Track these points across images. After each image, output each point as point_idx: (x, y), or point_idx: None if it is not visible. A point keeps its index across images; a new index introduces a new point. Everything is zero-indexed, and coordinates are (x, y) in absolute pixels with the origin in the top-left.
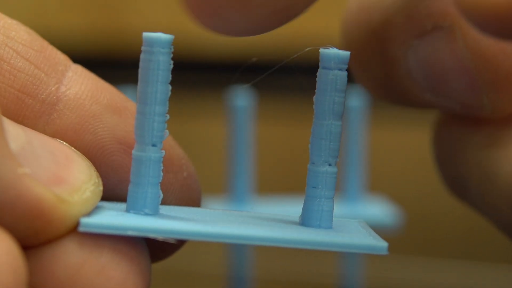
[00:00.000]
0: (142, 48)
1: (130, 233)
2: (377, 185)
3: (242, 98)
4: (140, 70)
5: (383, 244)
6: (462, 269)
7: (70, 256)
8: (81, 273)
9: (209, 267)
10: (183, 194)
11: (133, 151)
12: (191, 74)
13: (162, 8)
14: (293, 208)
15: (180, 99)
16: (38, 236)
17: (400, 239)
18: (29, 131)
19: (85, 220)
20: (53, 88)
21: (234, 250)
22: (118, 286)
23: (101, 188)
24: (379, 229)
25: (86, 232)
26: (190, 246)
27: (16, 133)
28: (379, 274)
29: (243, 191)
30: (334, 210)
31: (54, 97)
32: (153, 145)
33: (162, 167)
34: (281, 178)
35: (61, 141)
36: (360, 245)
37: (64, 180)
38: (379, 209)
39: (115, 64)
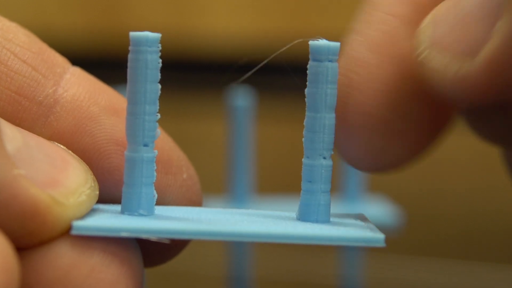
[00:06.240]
0: (130, 48)
1: (123, 234)
2: (377, 185)
3: (242, 98)
4: (128, 70)
5: (380, 236)
6: (462, 269)
7: (61, 258)
8: (71, 274)
9: (208, 268)
10: (183, 196)
11: (125, 152)
12: (191, 74)
13: (161, 8)
14: (293, 207)
15: (180, 99)
16: (31, 237)
17: (400, 239)
18: (26, 133)
19: (77, 223)
20: (50, 90)
21: (233, 251)
22: (110, 285)
23: (97, 192)
24: (379, 229)
25: (79, 235)
26: (189, 246)
27: (12, 135)
28: (379, 274)
29: (243, 191)
30: (333, 209)
31: (52, 100)
32: (145, 145)
33: (155, 167)
34: (281, 178)
35: (58, 144)
36: (356, 238)
37: (59, 182)
38: (379, 209)
39: (113, 64)
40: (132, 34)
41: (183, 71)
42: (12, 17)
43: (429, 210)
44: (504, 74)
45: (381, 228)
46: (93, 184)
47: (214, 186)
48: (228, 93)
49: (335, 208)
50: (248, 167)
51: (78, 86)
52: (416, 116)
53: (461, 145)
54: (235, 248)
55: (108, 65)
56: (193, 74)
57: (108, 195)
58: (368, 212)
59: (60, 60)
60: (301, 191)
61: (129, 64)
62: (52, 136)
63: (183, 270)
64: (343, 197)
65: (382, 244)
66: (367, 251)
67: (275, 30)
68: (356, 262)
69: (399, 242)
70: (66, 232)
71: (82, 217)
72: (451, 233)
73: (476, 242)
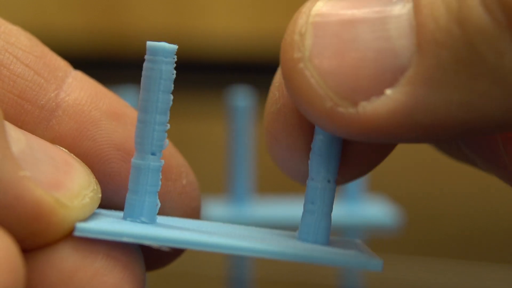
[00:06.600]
0: (146, 56)
1: (125, 239)
2: (377, 185)
3: (242, 98)
4: (142, 78)
5: (378, 261)
6: (462, 269)
7: (65, 261)
8: (75, 278)
9: (209, 268)
10: (182, 202)
11: (132, 159)
12: (191, 74)
13: (161, 8)
14: (292, 208)
15: (180, 99)
16: (35, 239)
17: (400, 239)
18: (29, 135)
19: (81, 225)
20: (52, 94)
21: None
22: None
23: (100, 195)
24: (379, 229)
25: (82, 238)
26: None
27: (17, 137)
28: (379, 274)
29: (243, 191)
30: (334, 209)
31: (54, 103)
32: (153, 154)
33: (160, 177)
34: (281, 178)
35: (60, 147)
36: (355, 261)
37: (63, 185)
38: (379, 209)
39: (114, 64)
40: (149, 43)
41: (183, 71)
42: (12, 18)
43: (429, 210)
44: (383, 134)
45: (381, 228)
46: (95, 187)
47: (214, 186)
48: (228, 93)
49: (335, 208)
50: (248, 167)
51: (80, 90)
52: (295, 143)
53: None
54: None
55: (108, 65)
56: (193, 74)
57: (108, 199)
58: (368, 212)
59: (62, 64)
60: (303, 211)
61: (143, 72)
62: (54, 139)
63: (184, 270)
64: (343, 197)
65: (379, 269)
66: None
67: (275, 30)
68: None
69: (399, 242)
70: (69, 234)
71: (85, 220)
72: (451, 233)
73: (476, 242)
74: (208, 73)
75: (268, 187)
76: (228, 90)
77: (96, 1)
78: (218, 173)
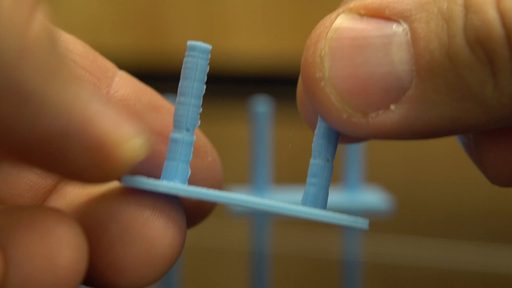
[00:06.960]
0: (186, 53)
1: (161, 189)
2: (373, 176)
3: (262, 105)
4: (182, 70)
5: (365, 220)
6: (445, 246)
7: (120, 214)
8: (130, 226)
9: (232, 244)
10: (209, 174)
11: (170, 134)
12: (220, 85)
13: (195, 31)
14: (302, 195)
15: (211, 106)
16: (94, 171)
17: (392, 221)
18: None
19: (126, 177)
20: (104, 91)
21: (255, 229)
22: (160, 233)
23: (149, 147)
24: (374, 213)
25: (131, 193)
26: (215, 224)
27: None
28: (375, 249)
29: (263, 181)
30: (336, 198)
31: (105, 99)
32: (187, 130)
33: (192, 150)
34: (294, 173)
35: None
36: (345, 219)
37: (127, 126)
38: (375, 196)
39: (157, 78)
40: (189, 42)
41: (213, 83)
42: None
43: (417, 197)
44: (386, 137)
45: (376, 212)
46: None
47: (239, 177)
48: (251, 101)
49: (337, 196)
50: (267, 163)
51: (126, 87)
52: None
53: (444, 143)
54: (257, 228)
55: (152, 78)
56: (222, 85)
57: (149, 174)
58: (365, 199)
59: (110, 66)
60: (306, 183)
61: (183, 65)
62: None
63: (208, 246)
64: (344, 186)
65: (366, 227)
66: (365, 232)
67: (291, 49)
68: (356, 240)
69: (391, 223)
70: (123, 172)
71: (133, 170)
72: (435, 216)
73: (456, 223)
74: (234, 85)
75: (283, 178)
76: (251, 99)
77: (142, 26)
78: (243, 166)
